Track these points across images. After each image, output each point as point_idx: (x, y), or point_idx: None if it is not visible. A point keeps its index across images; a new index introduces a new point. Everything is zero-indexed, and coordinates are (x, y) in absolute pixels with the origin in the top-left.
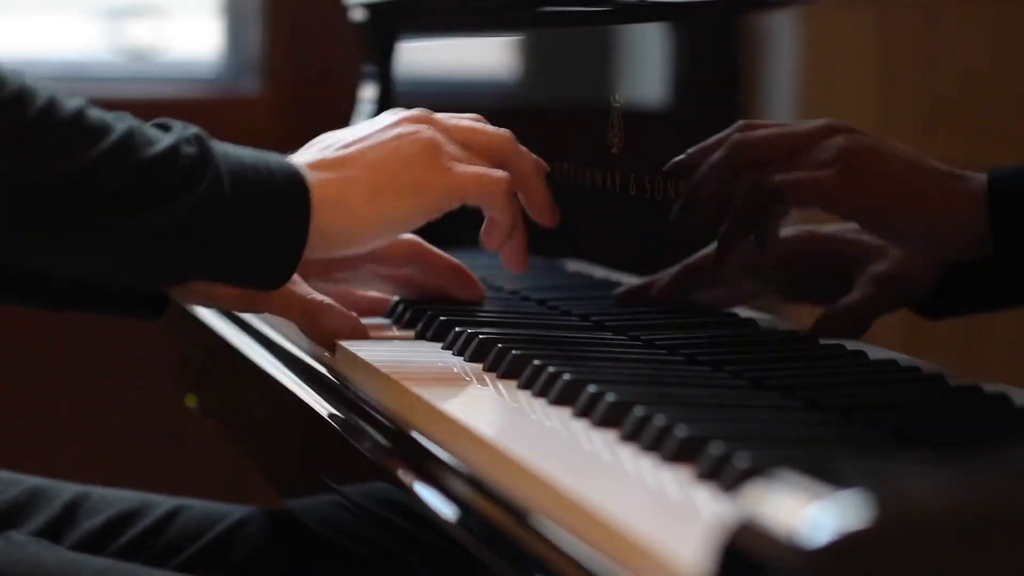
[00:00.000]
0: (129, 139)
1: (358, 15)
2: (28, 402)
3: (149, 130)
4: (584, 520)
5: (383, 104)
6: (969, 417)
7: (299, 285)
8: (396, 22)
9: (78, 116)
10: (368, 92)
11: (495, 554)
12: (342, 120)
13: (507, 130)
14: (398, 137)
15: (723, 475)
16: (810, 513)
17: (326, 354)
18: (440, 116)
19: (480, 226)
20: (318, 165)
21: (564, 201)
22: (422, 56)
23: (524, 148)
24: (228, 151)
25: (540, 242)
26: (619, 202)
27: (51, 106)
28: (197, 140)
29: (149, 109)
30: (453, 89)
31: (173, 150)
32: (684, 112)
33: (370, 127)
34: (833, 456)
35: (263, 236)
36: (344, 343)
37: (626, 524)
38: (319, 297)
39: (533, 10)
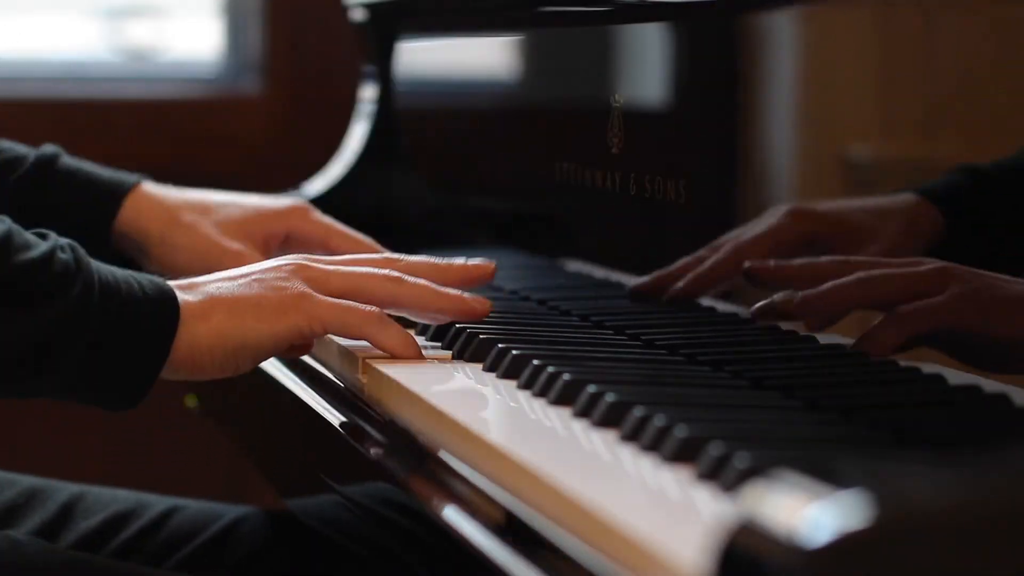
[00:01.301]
0: (6, 242)
1: (358, 15)
2: (26, 402)
3: (26, 234)
4: (584, 520)
5: (383, 104)
6: (969, 417)
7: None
8: (396, 22)
9: None
10: (368, 92)
11: (494, 554)
12: (342, 120)
13: (388, 272)
14: (265, 272)
15: (723, 475)
16: (810, 513)
17: (324, 354)
18: (316, 264)
19: (480, 226)
20: (187, 287)
21: (564, 201)
22: (422, 56)
23: (409, 280)
24: (100, 265)
25: (540, 242)
26: (619, 202)
27: None
28: (71, 248)
29: (149, 109)
30: (453, 89)
31: (49, 255)
32: (684, 112)
33: (247, 268)
34: (833, 456)
35: (129, 344)
36: (344, 342)
37: (626, 524)
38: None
39: (533, 10)
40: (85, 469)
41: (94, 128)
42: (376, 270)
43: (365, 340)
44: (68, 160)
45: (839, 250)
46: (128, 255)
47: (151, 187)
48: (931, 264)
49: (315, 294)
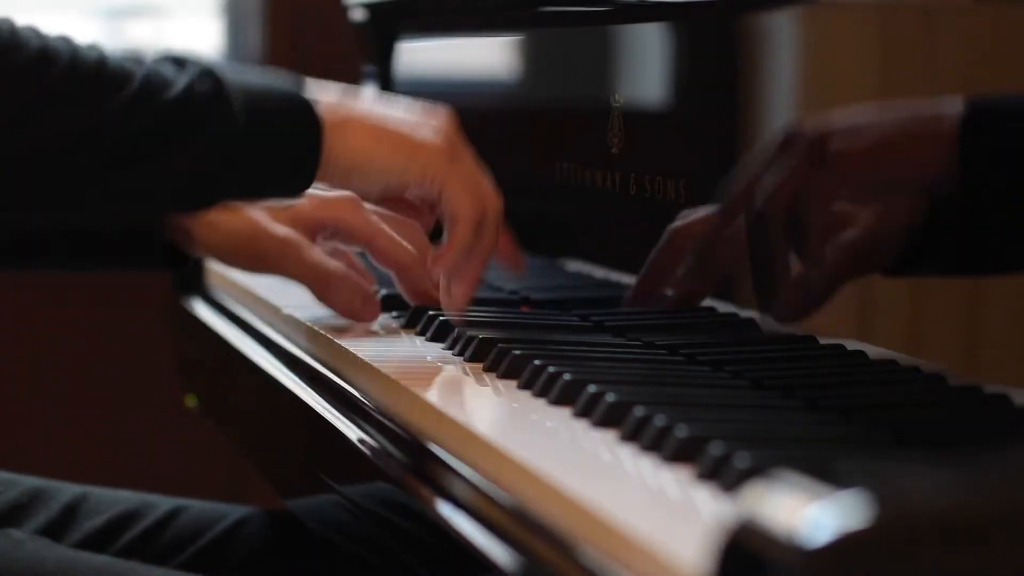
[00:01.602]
0: (148, 84)
1: (358, 15)
2: (28, 402)
3: (165, 69)
4: (584, 520)
5: None
6: (969, 417)
7: (315, 252)
8: (396, 22)
9: (99, 68)
10: (368, 92)
11: (494, 554)
12: None
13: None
14: (416, 114)
15: (723, 475)
16: (810, 513)
17: (325, 354)
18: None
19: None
20: (330, 108)
21: (564, 201)
22: (422, 56)
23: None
24: (239, 82)
25: (540, 242)
26: (619, 202)
27: (73, 62)
28: (210, 76)
29: None
30: (453, 89)
31: (188, 90)
32: (684, 112)
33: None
34: (833, 456)
35: (279, 158)
36: (344, 342)
37: (626, 524)
38: (333, 265)
39: (533, 10)
40: (87, 470)
41: None
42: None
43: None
44: None
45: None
46: (175, 238)
47: None
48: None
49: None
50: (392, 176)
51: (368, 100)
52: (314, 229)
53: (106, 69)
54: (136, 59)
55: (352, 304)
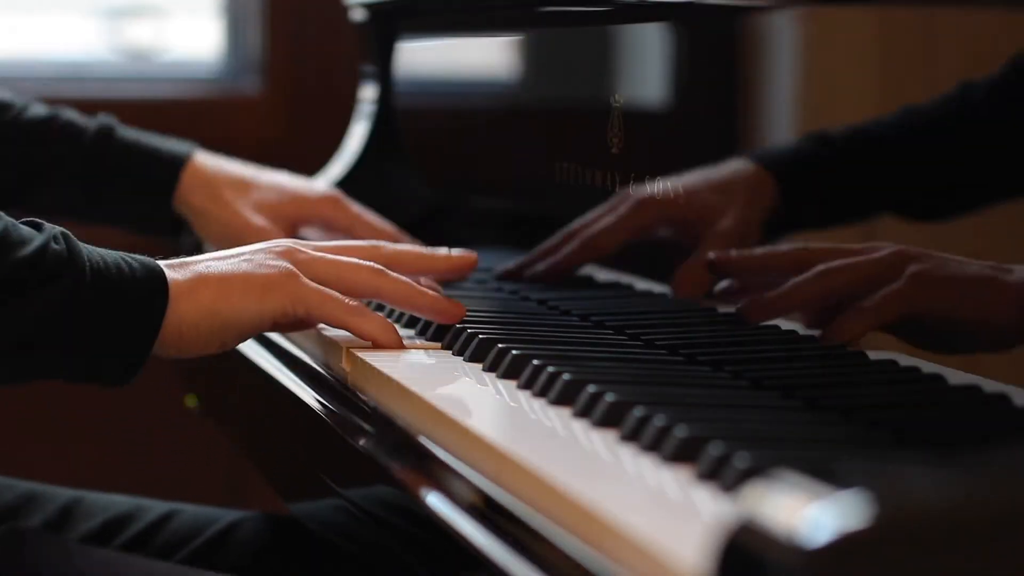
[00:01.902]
0: (4, 238)
1: (358, 15)
2: (24, 404)
3: (22, 229)
4: (584, 520)
5: (383, 104)
6: (969, 417)
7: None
8: (396, 22)
9: None
10: (368, 92)
11: (494, 554)
12: (342, 120)
13: (372, 264)
14: (255, 252)
15: (723, 475)
16: (810, 513)
17: (324, 353)
18: (306, 249)
19: (480, 226)
20: (177, 266)
21: (564, 201)
22: (422, 56)
23: (391, 275)
24: (92, 250)
25: (540, 242)
26: None
27: None
28: (64, 238)
29: (149, 109)
30: (453, 89)
31: (43, 248)
32: (684, 112)
33: (238, 249)
34: (833, 456)
35: (121, 321)
36: (343, 342)
37: (626, 524)
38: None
39: (533, 10)
40: (81, 474)
41: None
42: (361, 261)
43: (345, 329)
44: (125, 131)
45: (689, 231)
46: (179, 217)
47: (203, 157)
48: (887, 249)
49: (301, 276)
50: (252, 319)
51: (207, 258)
52: (297, 224)
53: None
54: None
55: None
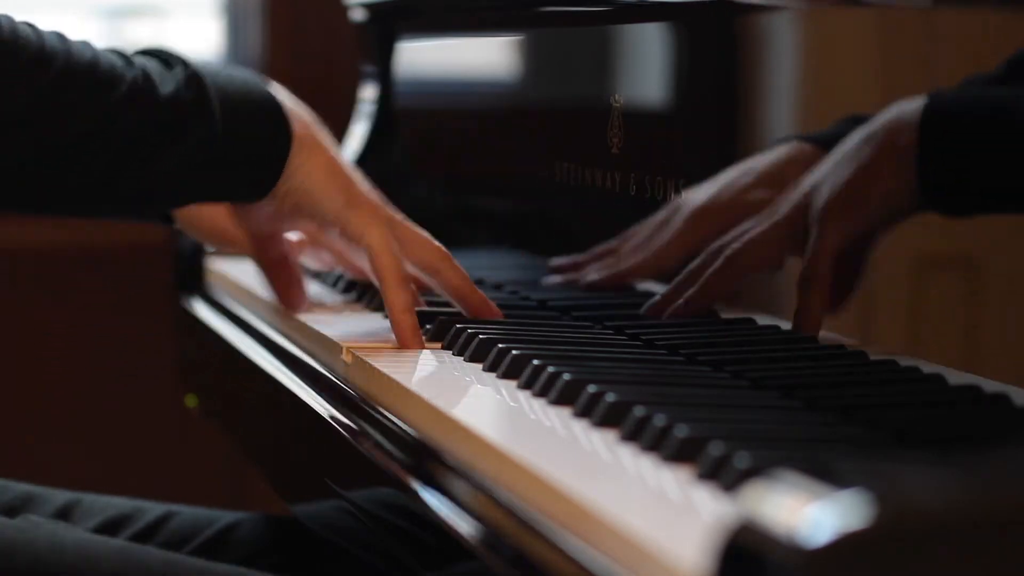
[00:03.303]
0: (135, 87)
1: (358, 15)
2: (23, 405)
3: (153, 71)
4: (584, 520)
5: (383, 104)
6: (969, 417)
7: None
8: (396, 22)
9: (92, 70)
10: (368, 92)
11: (494, 554)
12: (342, 120)
13: (441, 248)
14: (363, 185)
15: (723, 475)
16: (810, 513)
17: (324, 354)
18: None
19: (480, 226)
20: (305, 113)
21: (564, 201)
22: (422, 56)
23: (456, 264)
24: (222, 86)
25: (540, 242)
26: (619, 202)
27: (68, 64)
28: (194, 80)
29: None
30: (453, 89)
31: (173, 96)
32: (684, 112)
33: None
34: (833, 456)
35: (249, 165)
36: (345, 343)
37: (626, 524)
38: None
39: (533, 10)
40: (80, 475)
41: None
42: (435, 241)
43: (382, 290)
44: None
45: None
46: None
47: None
48: (765, 208)
49: (387, 224)
50: (329, 212)
51: (330, 138)
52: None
53: (98, 71)
54: (126, 58)
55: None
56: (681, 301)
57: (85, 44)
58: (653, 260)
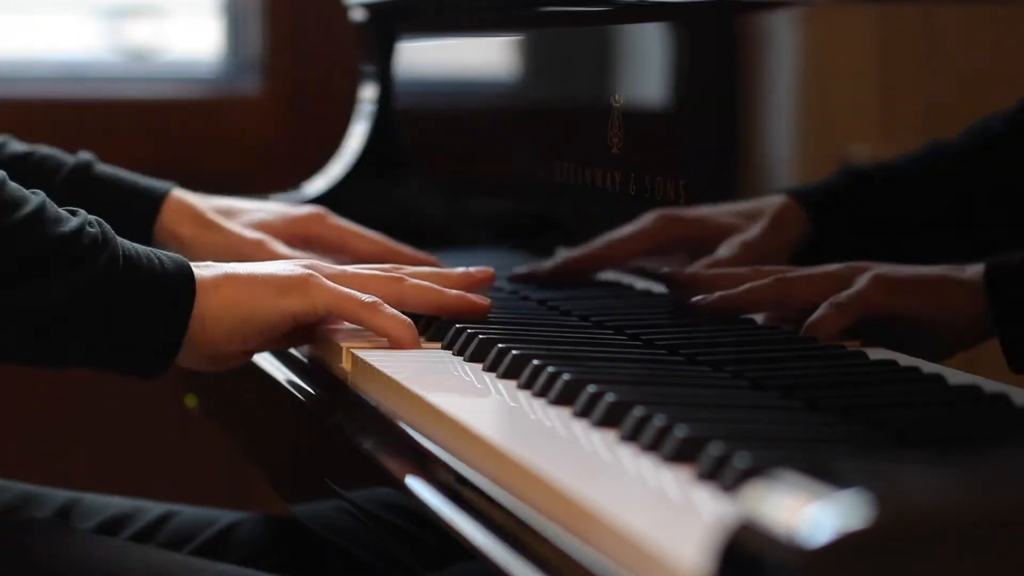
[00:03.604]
0: (41, 213)
1: (358, 15)
2: (21, 405)
3: (59, 210)
4: (584, 520)
5: (383, 104)
6: (969, 417)
7: (283, 249)
8: (396, 22)
9: None
10: (368, 92)
11: (494, 554)
12: (342, 120)
13: (391, 273)
14: (279, 262)
15: (723, 475)
16: (810, 513)
17: (324, 353)
18: (329, 265)
19: (480, 226)
20: (204, 266)
21: (564, 201)
22: (422, 56)
23: (412, 281)
24: (124, 241)
25: (540, 242)
26: (619, 202)
27: None
28: (99, 224)
29: (149, 109)
30: (453, 89)
31: (79, 228)
32: (684, 112)
33: (260, 262)
34: (833, 456)
35: (151, 314)
36: (344, 343)
37: (626, 524)
38: (299, 255)
39: (533, 10)
40: (80, 475)
41: (94, 128)
42: (381, 271)
43: (364, 325)
44: (103, 168)
45: (710, 250)
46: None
47: (181, 193)
48: (840, 264)
49: (321, 278)
50: (274, 315)
51: (233, 263)
52: (288, 243)
53: (3, 192)
54: (36, 192)
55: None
56: (714, 296)
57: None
58: (608, 250)
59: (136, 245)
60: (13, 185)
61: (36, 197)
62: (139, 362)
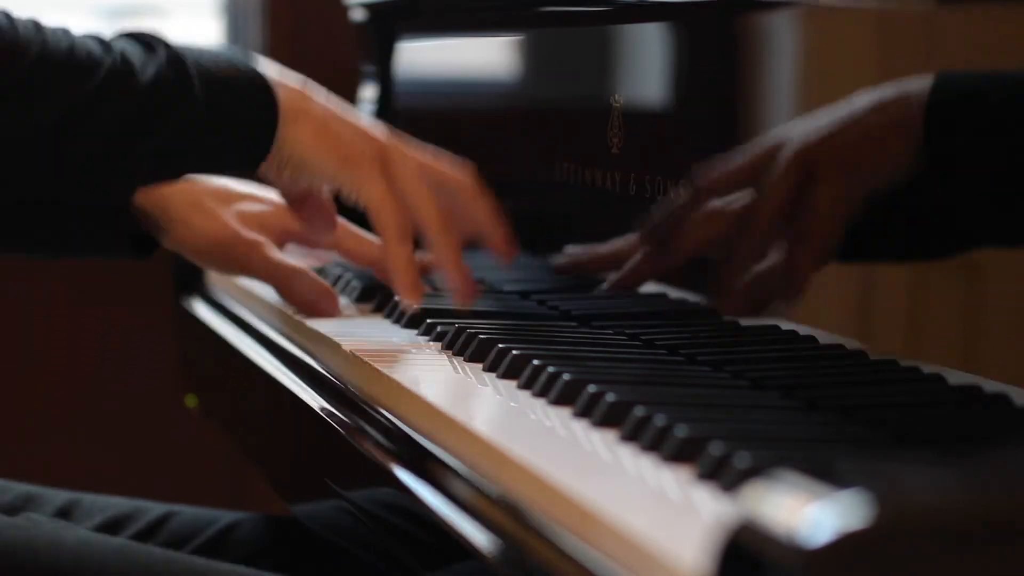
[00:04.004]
0: (114, 73)
1: (358, 15)
2: (22, 405)
3: (132, 54)
4: (584, 520)
5: (383, 104)
6: (969, 417)
7: (277, 252)
8: (396, 22)
9: (68, 57)
10: (368, 92)
11: (494, 554)
12: None
13: (468, 175)
14: (361, 125)
15: (723, 475)
16: (810, 513)
17: (324, 353)
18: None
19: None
20: (292, 80)
21: (564, 201)
22: (422, 56)
23: (450, 234)
24: (204, 66)
25: (540, 242)
26: (619, 202)
27: (43, 52)
28: (174, 62)
29: None
30: (453, 89)
31: (154, 79)
32: (684, 112)
33: (345, 107)
34: (833, 456)
35: (236, 141)
36: (344, 343)
37: (626, 524)
38: (293, 263)
39: (533, 10)
40: (79, 476)
41: None
42: (432, 206)
43: (381, 236)
44: None
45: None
46: (146, 229)
47: None
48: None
49: (389, 164)
50: (324, 176)
51: (322, 96)
52: (282, 237)
53: (75, 58)
54: (105, 44)
55: (309, 298)
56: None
57: (63, 31)
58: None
59: (217, 67)
60: (82, 45)
61: (107, 55)
62: (236, 166)
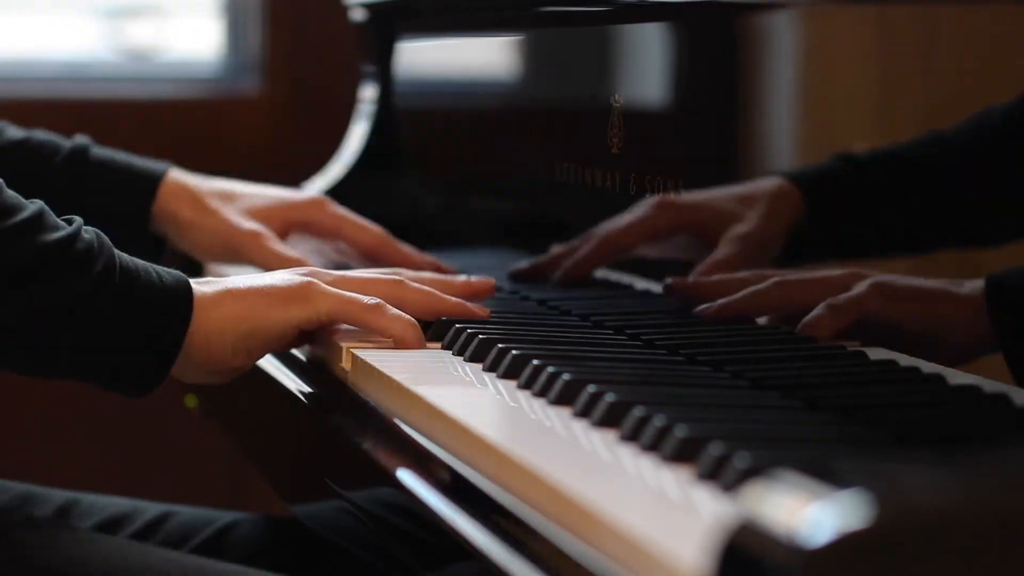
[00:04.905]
0: (37, 220)
1: (358, 15)
2: (20, 405)
3: (55, 218)
4: (584, 520)
5: (383, 104)
6: (969, 417)
7: (278, 243)
8: (396, 22)
9: None
10: (368, 92)
11: (494, 554)
12: (342, 120)
13: (391, 276)
14: (279, 273)
15: (723, 475)
16: (810, 513)
17: (324, 353)
18: (329, 272)
19: (480, 226)
20: (203, 282)
21: (564, 201)
22: (422, 56)
23: (413, 285)
24: (122, 253)
25: (540, 242)
26: (619, 202)
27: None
28: (95, 234)
29: (149, 109)
30: (453, 89)
31: (74, 236)
32: (684, 112)
33: (260, 273)
34: (833, 456)
35: (147, 325)
36: (344, 343)
37: (626, 524)
38: (293, 254)
39: (533, 10)
40: (78, 476)
41: (94, 128)
42: (382, 275)
43: (368, 327)
44: (99, 151)
45: (708, 237)
46: (160, 235)
47: (179, 174)
48: (842, 270)
49: (322, 284)
50: (278, 326)
51: (232, 277)
52: (285, 229)
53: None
54: (34, 200)
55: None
56: (716, 304)
57: None
58: (608, 242)
59: (135, 259)
60: (10, 192)
61: (33, 205)
62: (130, 376)
